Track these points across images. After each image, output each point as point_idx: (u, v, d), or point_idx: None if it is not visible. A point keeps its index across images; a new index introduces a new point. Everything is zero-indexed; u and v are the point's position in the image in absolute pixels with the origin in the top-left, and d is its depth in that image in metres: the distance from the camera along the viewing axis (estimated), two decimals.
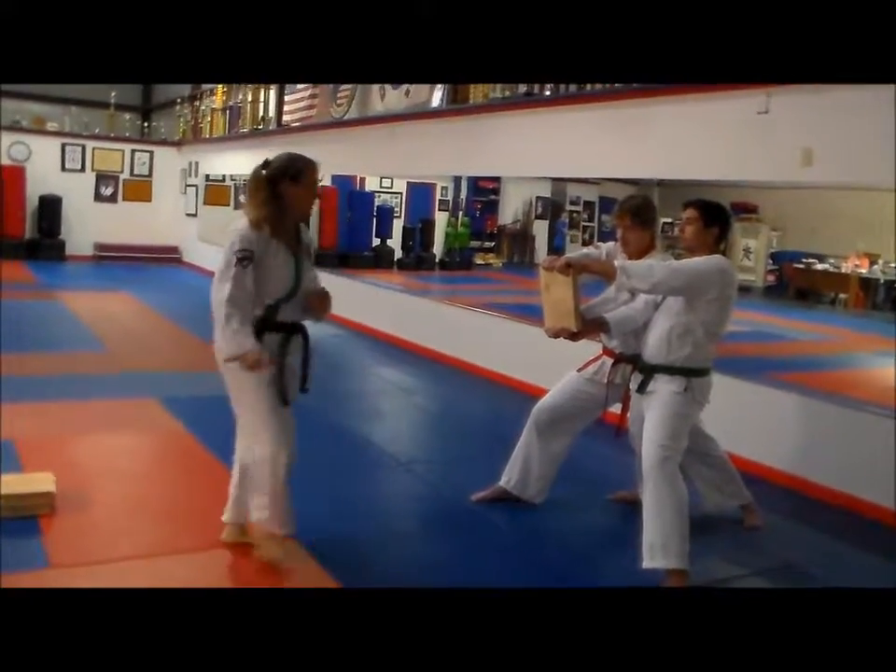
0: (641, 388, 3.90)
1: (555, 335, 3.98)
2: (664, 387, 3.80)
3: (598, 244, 4.66)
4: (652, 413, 3.82)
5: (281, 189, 3.52)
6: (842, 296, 15.42)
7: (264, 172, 3.55)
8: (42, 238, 15.84)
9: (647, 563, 3.70)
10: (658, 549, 3.68)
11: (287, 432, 3.62)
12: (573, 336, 3.98)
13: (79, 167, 16.66)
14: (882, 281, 14.74)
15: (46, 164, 16.13)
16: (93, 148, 16.77)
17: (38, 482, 4.13)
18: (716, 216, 3.88)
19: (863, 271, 15.04)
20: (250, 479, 3.66)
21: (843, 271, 15.35)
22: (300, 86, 11.90)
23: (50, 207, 15.92)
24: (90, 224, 16.34)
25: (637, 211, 4.32)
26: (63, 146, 16.50)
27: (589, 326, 4.02)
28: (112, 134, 17.27)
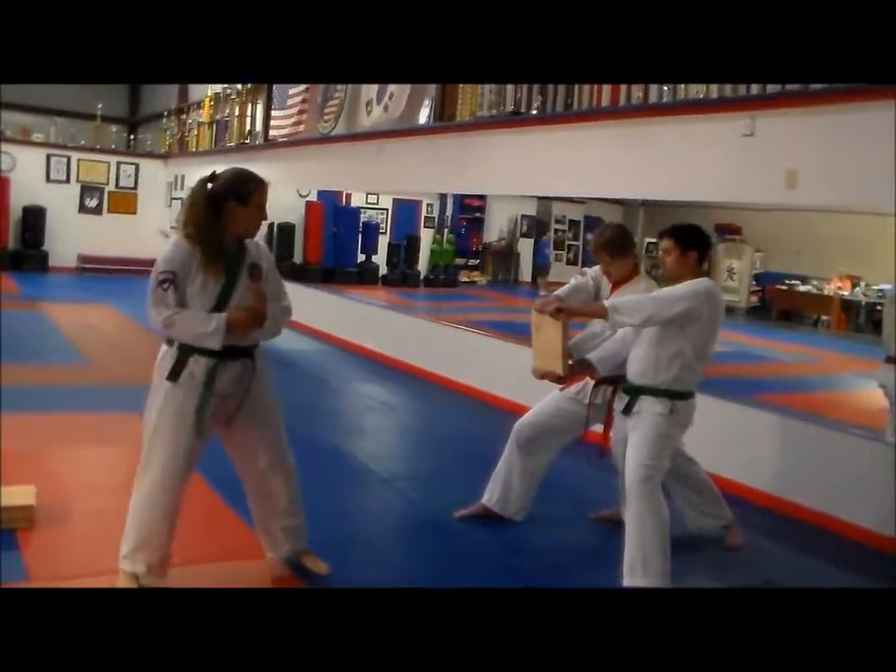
0: (626, 410, 3.91)
1: (542, 377, 4.04)
2: (648, 409, 3.81)
3: (584, 270, 4.66)
4: (636, 434, 3.83)
5: (227, 207, 3.33)
6: (824, 318, 15.53)
7: (209, 186, 3.37)
8: (25, 249, 15.76)
9: (627, 581, 3.71)
10: (638, 567, 3.69)
11: (192, 463, 3.49)
12: (559, 380, 4.05)
13: (64, 178, 16.61)
14: (864, 303, 14.85)
15: (30, 175, 16.09)
16: (79, 160, 16.73)
17: (18, 495, 4.09)
18: (692, 239, 3.89)
19: (845, 293, 15.16)
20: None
21: (825, 293, 15.47)
22: (288, 101, 11.93)
23: (34, 218, 15.85)
24: (74, 235, 16.27)
25: (611, 244, 4.34)
26: (49, 156, 16.45)
27: (576, 369, 4.06)
28: (98, 146, 17.23)
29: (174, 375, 3.35)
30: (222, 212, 3.32)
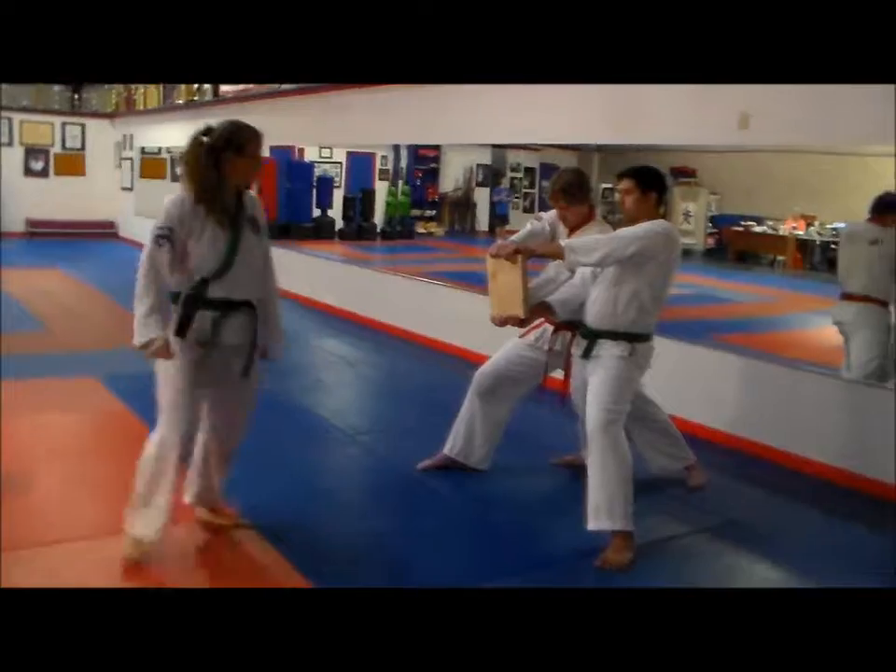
0: (586, 354, 3.90)
1: (502, 323, 3.94)
2: (607, 352, 3.80)
3: (540, 214, 4.62)
4: (596, 378, 3.83)
5: (223, 159, 3.37)
6: (780, 258, 15.66)
7: (205, 139, 3.40)
8: None
9: (592, 525, 3.73)
10: (603, 511, 3.71)
11: (195, 420, 3.57)
12: (520, 323, 3.97)
13: (7, 141, 16.19)
14: (818, 242, 14.98)
15: None
16: (21, 121, 16.31)
17: None
18: (652, 181, 3.87)
19: (800, 232, 15.28)
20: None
21: (780, 233, 15.58)
22: None
23: None
24: (20, 200, 15.92)
25: (568, 188, 4.32)
26: None
27: (535, 311, 4.00)
28: (41, 107, 16.80)
29: (181, 331, 3.39)
30: (220, 163, 3.38)
